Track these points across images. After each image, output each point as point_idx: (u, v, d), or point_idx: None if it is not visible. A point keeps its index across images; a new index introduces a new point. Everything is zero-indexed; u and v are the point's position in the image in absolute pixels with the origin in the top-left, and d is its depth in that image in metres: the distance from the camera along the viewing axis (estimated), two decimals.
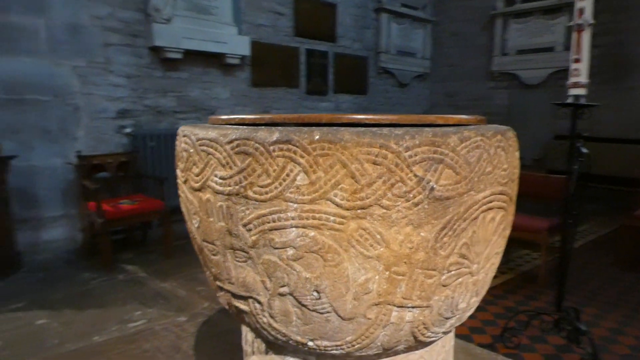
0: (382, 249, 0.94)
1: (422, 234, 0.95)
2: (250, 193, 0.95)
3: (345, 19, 7.15)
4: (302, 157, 0.91)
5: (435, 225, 0.95)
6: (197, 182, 1.05)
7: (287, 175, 0.92)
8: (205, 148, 1.02)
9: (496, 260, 1.16)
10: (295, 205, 0.92)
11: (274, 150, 0.92)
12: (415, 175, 0.91)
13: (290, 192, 0.92)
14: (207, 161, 1.02)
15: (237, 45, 5.96)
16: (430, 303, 1.02)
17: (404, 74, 7.76)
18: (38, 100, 4.85)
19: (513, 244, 3.55)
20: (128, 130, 5.23)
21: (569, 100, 2.22)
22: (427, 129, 0.93)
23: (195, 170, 1.05)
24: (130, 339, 2.80)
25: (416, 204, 0.93)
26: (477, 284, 1.11)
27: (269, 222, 0.95)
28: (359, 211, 0.91)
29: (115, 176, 4.71)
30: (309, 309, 1.00)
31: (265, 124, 1.10)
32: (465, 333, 2.75)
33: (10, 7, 4.58)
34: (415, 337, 1.07)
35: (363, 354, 1.07)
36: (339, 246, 0.94)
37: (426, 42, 7.97)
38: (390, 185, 0.91)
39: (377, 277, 0.96)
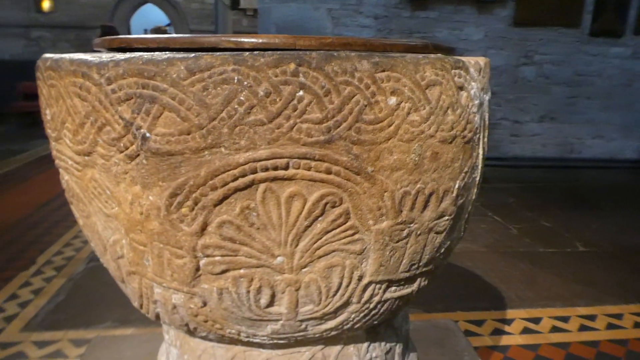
0: (116, 209, 0.75)
1: (150, 197, 0.71)
2: None
3: None
4: (42, 87, 0.79)
5: (165, 189, 0.69)
6: None
7: (43, 107, 0.82)
8: None
9: (347, 263, 0.76)
10: (53, 143, 0.82)
11: (45, 78, 0.82)
12: (122, 118, 0.67)
13: (48, 127, 0.82)
14: None
15: None
16: (194, 291, 0.76)
17: None
18: None
19: None
20: None
21: None
22: (159, 54, 0.66)
23: None
24: None
25: (131, 157, 0.69)
26: (300, 287, 0.76)
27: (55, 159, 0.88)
28: (86, 158, 0.75)
29: None
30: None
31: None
32: None
33: None
34: (211, 331, 0.83)
35: (173, 327, 0.91)
36: (84, 196, 0.79)
37: None
38: (99, 128, 0.70)
39: (123, 241, 0.78)
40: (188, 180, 0.68)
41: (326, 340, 0.92)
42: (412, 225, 0.78)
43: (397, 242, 0.78)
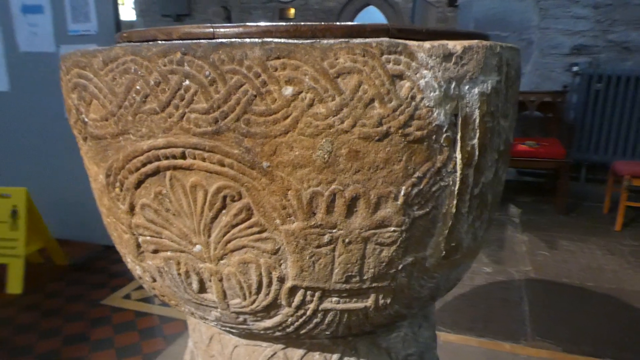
0: (93, 183, 0.87)
1: (100, 175, 0.80)
2: None
3: None
4: None
5: (104, 169, 0.77)
6: None
7: None
8: None
9: (262, 262, 0.72)
10: None
11: None
12: (74, 104, 0.78)
13: None
14: None
15: None
16: (143, 265, 0.83)
17: None
18: (498, 35, 5.09)
19: None
20: (576, 68, 4.68)
21: None
22: (92, 48, 0.74)
23: None
24: None
25: (84, 139, 0.79)
26: (223, 278, 0.76)
27: None
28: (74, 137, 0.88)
29: (531, 115, 4.54)
30: None
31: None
32: None
33: None
34: (173, 307, 0.89)
35: None
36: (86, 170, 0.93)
37: None
38: (68, 112, 0.82)
39: (103, 211, 0.89)
40: (113, 163, 0.74)
41: (287, 340, 0.89)
42: (334, 231, 0.69)
43: (318, 247, 0.70)
